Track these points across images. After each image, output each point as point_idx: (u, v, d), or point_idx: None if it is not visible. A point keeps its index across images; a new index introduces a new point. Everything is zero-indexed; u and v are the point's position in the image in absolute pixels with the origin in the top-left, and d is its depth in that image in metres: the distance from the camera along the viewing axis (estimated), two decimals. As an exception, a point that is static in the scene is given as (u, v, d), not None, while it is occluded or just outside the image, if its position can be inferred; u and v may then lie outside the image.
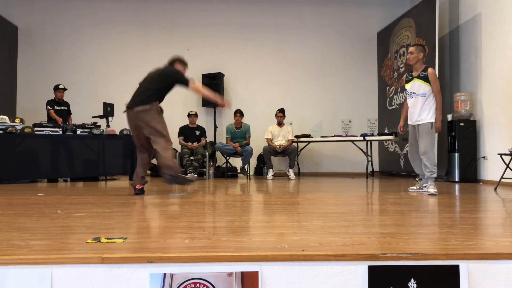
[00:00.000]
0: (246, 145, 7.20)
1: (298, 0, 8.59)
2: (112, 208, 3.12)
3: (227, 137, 7.39)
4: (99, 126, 6.69)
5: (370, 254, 1.63)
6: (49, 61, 8.34)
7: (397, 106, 7.66)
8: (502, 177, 4.94)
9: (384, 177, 7.68)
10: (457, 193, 4.53)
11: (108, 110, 6.94)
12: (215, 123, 8.33)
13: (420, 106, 4.34)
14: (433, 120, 4.31)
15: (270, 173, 7.15)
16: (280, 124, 7.47)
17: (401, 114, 4.78)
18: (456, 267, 1.63)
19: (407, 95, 4.51)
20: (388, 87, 8.09)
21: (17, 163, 5.76)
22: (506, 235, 2.03)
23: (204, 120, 8.41)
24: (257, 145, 7.63)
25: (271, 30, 8.60)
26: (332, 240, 1.90)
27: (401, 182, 6.29)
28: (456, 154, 6.25)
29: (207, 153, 7.17)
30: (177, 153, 7.10)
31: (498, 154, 5.13)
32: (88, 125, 6.59)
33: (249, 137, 7.40)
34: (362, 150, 7.56)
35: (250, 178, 7.18)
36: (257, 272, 1.59)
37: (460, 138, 6.22)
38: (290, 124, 8.05)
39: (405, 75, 4.62)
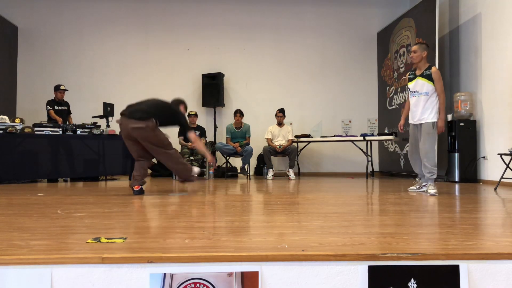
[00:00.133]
0: (246, 145, 7.20)
1: (298, 0, 8.59)
2: (112, 208, 3.12)
3: (227, 137, 7.39)
4: (99, 126, 6.69)
5: (370, 254, 1.63)
6: (49, 61, 8.34)
7: (397, 106, 7.66)
8: (502, 177, 4.94)
9: (384, 177, 7.68)
10: (457, 193, 4.53)
11: (108, 110, 6.94)
12: (215, 123, 8.33)
13: (423, 105, 4.29)
14: (435, 120, 4.27)
15: (270, 173, 7.15)
16: (280, 124, 7.47)
17: (402, 113, 4.73)
18: (456, 267, 1.63)
19: (409, 93, 4.47)
20: (388, 87, 8.09)
21: (17, 163, 5.76)
22: (506, 235, 2.03)
23: (204, 120, 8.41)
24: (257, 145, 7.64)
25: (271, 30, 8.60)
26: (332, 240, 1.90)
27: (401, 182, 6.29)
28: (456, 154, 6.25)
29: (207, 153, 7.16)
30: (177, 153, 7.09)
31: (498, 154, 5.13)
32: (88, 125, 6.59)
33: (249, 137, 7.40)
34: (362, 150, 7.56)
35: (250, 178, 7.18)
36: (257, 272, 1.59)
37: (460, 138, 6.22)
38: (290, 124, 8.05)
39: (408, 74, 4.56)
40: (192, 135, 4.23)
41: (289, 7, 8.60)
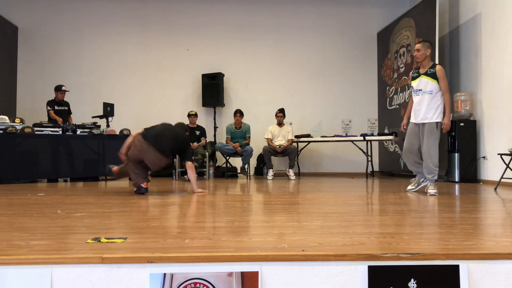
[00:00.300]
0: (246, 145, 7.20)
1: (298, 0, 8.59)
2: (112, 208, 3.12)
3: (227, 137, 7.39)
4: (99, 126, 6.69)
5: (370, 254, 1.63)
6: (49, 61, 8.34)
7: (397, 106, 7.66)
8: (502, 177, 4.94)
9: (384, 177, 7.68)
10: (457, 193, 4.52)
11: (108, 110, 6.94)
12: (215, 123, 8.33)
13: (427, 104, 4.22)
14: (439, 120, 4.22)
15: (270, 173, 7.15)
16: (280, 124, 7.47)
17: (406, 112, 4.64)
18: (456, 267, 1.63)
19: (412, 92, 4.39)
20: (388, 87, 8.09)
21: (17, 163, 5.76)
22: (506, 235, 2.03)
23: (204, 120, 8.41)
24: (257, 145, 7.64)
25: (271, 30, 8.60)
26: (332, 240, 1.90)
27: (401, 182, 6.29)
28: (456, 154, 6.25)
29: (207, 153, 7.16)
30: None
31: (498, 154, 5.13)
32: (88, 125, 6.59)
33: (249, 137, 7.40)
34: (362, 150, 7.56)
35: (250, 178, 7.18)
36: (257, 272, 1.59)
37: (460, 138, 6.22)
38: (290, 124, 8.05)
39: (411, 72, 4.48)
40: (192, 165, 4.41)
41: (289, 7, 8.60)
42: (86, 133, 6.45)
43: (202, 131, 7.58)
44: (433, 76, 4.21)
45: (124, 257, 1.59)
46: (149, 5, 8.52)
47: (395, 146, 7.75)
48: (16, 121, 6.02)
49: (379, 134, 7.85)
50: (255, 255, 1.62)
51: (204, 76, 8.24)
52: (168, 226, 2.29)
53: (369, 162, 7.60)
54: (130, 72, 8.48)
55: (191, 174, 4.40)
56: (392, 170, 7.96)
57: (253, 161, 7.81)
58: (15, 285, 1.53)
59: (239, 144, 7.16)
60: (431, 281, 1.61)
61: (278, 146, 7.26)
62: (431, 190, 4.21)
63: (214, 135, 8.31)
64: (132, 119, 8.09)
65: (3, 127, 5.78)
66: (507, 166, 4.84)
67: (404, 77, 7.43)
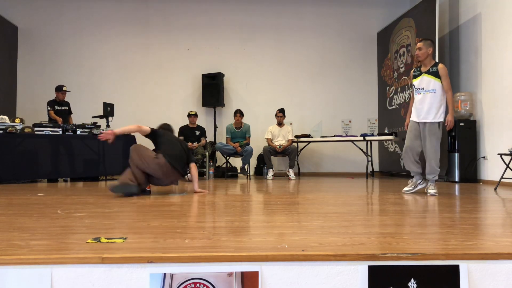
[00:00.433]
0: (246, 145, 7.20)
1: (298, 0, 8.60)
2: (112, 208, 3.12)
3: (227, 137, 7.39)
4: (99, 126, 6.69)
5: (370, 254, 1.63)
6: (49, 61, 8.35)
7: (397, 106, 7.67)
8: (502, 177, 4.94)
9: (384, 177, 7.68)
10: (457, 193, 4.52)
11: (108, 110, 6.94)
12: (215, 123, 8.33)
13: (429, 103, 4.16)
14: (441, 120, 4.17)
15: (270, 173, 7.16)
16: (280, 124, 7.47)
17: (407, 112, 4.56)
18: (456, 267, 1.63)
19: (414, 91, 4.32)
20: (388, 87, 8.09)
21: (17, 163, 5.76)
22: (506, 235, 2.03)
23: (204, 120, 8.41)
24: (257, 145, 7.64)
25: (271, 30, 8.61)
26: (332, 240, 1.90)
27: (401, 182, 6.29)
28: (456, 154, 6.25)
29: (207, 153, 7.17)
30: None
31: (498, 154, 5.13)
32: (88, 125, 6.59)
33: (249, 137, 7.41)
34: (362, 150, 7.56)
35: (250, 178, 7.18)
36: (257, 272, 1.59)
37: (460, 138, 6.22)
38: (290, 124, 8.06)
39: (412, 70, 4.41)
40: (193, 164, 4.46)
41: (289, 7, 8.60)
42: (86, 133, 6.45)
43: (202, 131, 7.58)
44: (436, 74, 4.15)
45: (124, 257, 1.59)
46: (149, 5, 8.52)
47: (395, 146, 7.75)
48: (16, 121, 6.02)
49: (379, 134, 7.85)
50: (255, 255, 1.62)
51: (204, 76, 8.24)
52: (168, 226, 2.29)
53: (369, 162, 7.60)
54: (130, 72, 8.48)
55: (195, 173, 4.43)
56: (392, 170, 7.97)
57: (253, 161, 7.82)
58: (15, 285, 1.53)
59: (239, 144, 7.16)
60: (431, 281, 1.61)
61: (278, 146, 7.26)
62: (431, 190, 4.20)
63: (214, 135, 8.31)
64: (132, 119, 8.08)
65: (3, 127, 5.78)
66: (507, 166, 4.84)
67: (404, 77, 7.43)
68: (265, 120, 8.19)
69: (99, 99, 7.78)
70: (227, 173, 7.44)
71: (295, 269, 1.61)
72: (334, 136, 7.73)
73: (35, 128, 6.06)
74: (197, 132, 7.46)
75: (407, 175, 7.37)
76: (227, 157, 7.37)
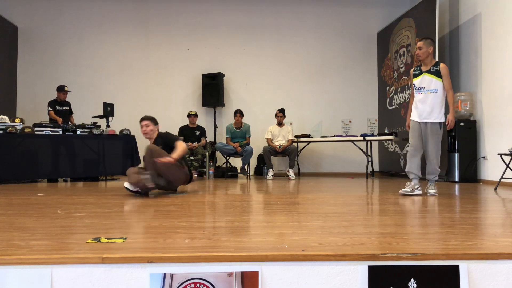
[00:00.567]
0: (246, 145, 7.20)
1: (298, 0, 8.59)
2: (112, 208, 3.12)
3: (227, 137, 7.39)
4: (99, 126, 6.69)
5: (370, 254, 1.63)
6: (49, 61, 8.35)
7: (397, 106, 7.66)
8: (502, 177, 4.94)
9: (384, 177, 7.68)
10: (457, 193, 4.52)
11: (108, 110, 6.94)
12: (215, 123, 8.33)
13: (431, 103, 4.12)
14: (443, 120, 4.14)
15: (270, 173, 7.15)
16: (280, 124, 7.47)
17: (408, 111, 4.46)
18: (456, 267, 1.63)
19: (414, 90, 4.26)
20: (388, 87, 8.09)
21: (17, 163, 5.75)
22: (506, 235, 2.03)
23: (204, 120, 8.41)
24: (257, 145, 7.64)
25: (271, 30, 8.60)
26: (332, 240, 1.90)
27: (401, 182, 6.29)
28: (456, 154, 6.25)
29: (207, 153, 7.17)
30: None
31: (498, 154, 5.13)
32: (88, 125, 6.59)
33: (249, 137, 7.41)
34: (362, 150, 7.56)
35: (250, 178, 7.18)
36: (257, 272, 1.59)
37: (460, 138, 6.22)
38: (290, 124, 8.06)
39: (412, 69, 4.35)
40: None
41: (289, 7, 8.60)
42: (86, 133, 6.45)
43: (202, 131, 7.58)
44: (437, 74, 4.11)
45: (124, 257, 1.59)
46: (149, 5, 8.52)
47: (395, 146, 7.75)
48: (16, 121, 6.02)
49: (379, 134, 7.85)
50: (255, 255, 1.62)
51: (204, 76, 8.24)
52: (168, 226, 2.29)
53: (369, 162, 7.60)
54: (130, 72, 8.48)
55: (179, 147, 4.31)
56: (392, 170, 7.96)
57: (253, 161, 7.82)
58: (15, 285, 1.53)
59: (239, 144, 7.16)
60: (431, 281, 1.61)
61: (278, 146, 7.26)
62: (431, 190, 4.20)
63: (214, 135, 8.31)
64: (132, 119, 8.08)
65: (3, 127, 5.78)
66: (507, 166, 4.84)
67: (404, 77, 7.43)
68: (265, 120, 8.19)
69: (99, 99, 7.78)
70: (227, 173, 7.44)
71: (295, 269, 1.61)
72: (334, 136, 7.73)
73: (35, 128, 6.06)
74: (197, 132, 7.46)
75: (407, 175, 7.37)
76: (227, 157, 7.37)
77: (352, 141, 7.54)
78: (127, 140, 6.77)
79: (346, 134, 8.39)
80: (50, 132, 6.13)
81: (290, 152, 7.19)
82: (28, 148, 5.86)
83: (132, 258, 1.59)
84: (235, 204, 3.38)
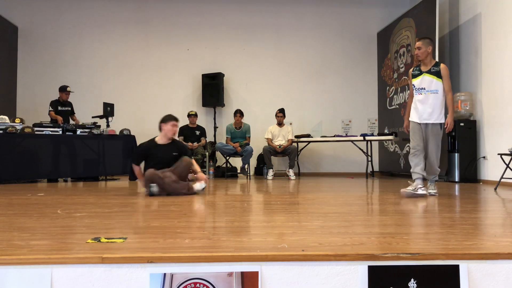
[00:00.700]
0: (246, 145, 7.20)
1: (298, 0, 8.59)
2: (112, 208, 3.12)
3: (227, 137, 7.39)
4: (99, 126, 6.69)
5: (370, 254, 1.63)
6: (49, 61, 8.34)
7: (397, 106, 7.66)
8: (502, 177, 4.94)
9: (384, 177, 7.68)
10: (457, 193, 4.52)
11: (108, 110, 6.94)
12: (215, 123, 8.33)
13: (432, 104, 4.08)
14: (443, 121, 4.13)
15: (270, 173, 7.15)
16: (280, 124, 7.47)
17: (406, 112, 4.42)
18: (456, 267, 1.63)
19: (414, 90, 4.21)
20: (388, 87, 8.09)
21: (17, 163, 5.75)
22: (506, 235, 2.03)
23: (204, 120, 8.41)
24: (257, 145, 7.63)
25: (271, 30, 8.60)
26: (332, 240, 1.90)
27: (401, 182, 6.29)
28: (456, 154, 6.25)
29: (207, 153, 7.17)
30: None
31: (498, 154, 5.13)
32: (88, 125, 6.59)
33: (249, 137, 7.40)
34: (362, 150, 7.56)
35: (250, 178, 7.18)
36: (257, 272, 1.59)
37: (460, 138, 6.22)
38: (290, 124, 8.05)
39: (411, 70, 4.30)
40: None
41: (289, 7, 8.60)
42: (86, 133, 6.45)
43: (202, 131, 7.58)
44: (438, 74, 4.07)
45: (124, 257, 1.59)
46: (149, 5, 8.52)
47: (395, 146, 7.75)
48: (16, 121, 6.02)
49: (379, 134, 7.85)
50: (255, 255, 1.62)
51: (204, 76, 8.24)
52: (168, 226, 2.29)
53: (369, 162, 7.60)
54: (130, 72, 8.47)
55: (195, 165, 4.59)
56: (392, 170, 7.96)
57: (253, 161, 7.81)
58: (15, 285, 1.53)
59: (239, 144, 7.16)
60: (431, 281, 1.61)
61: (278, 146, 7.26)
62: (431, 190, 4.19)
63: (214, 135, 8.31)
64: (132, 119, 8.09)
65: (3, 127, 5.78)
66: (507, 166, 4.84)
67: (404, 77, 7.43)
68: (265, 120, 8.19)
69: (99, 99, 7.78)
70: (227, 173, 7.44)
71: (295, 269, 1.61)
72: (334, 136, 7.73)
73: (35, 128, 6.06)
74: (197, 132, 7.46)
75: (407, 175, 7.36)
76: (227, 157, 7.37)
77: (352, 141, 7.54)
78: (127, 140, 6.77)
79: (346, 134, 8.38)
80: (50, 132, 6.13)
81: (290, 152, 7.19)
82: (28, 148, 5.86)
83: (132, 258, 1.59)
84: (235, 204, 3.39)
